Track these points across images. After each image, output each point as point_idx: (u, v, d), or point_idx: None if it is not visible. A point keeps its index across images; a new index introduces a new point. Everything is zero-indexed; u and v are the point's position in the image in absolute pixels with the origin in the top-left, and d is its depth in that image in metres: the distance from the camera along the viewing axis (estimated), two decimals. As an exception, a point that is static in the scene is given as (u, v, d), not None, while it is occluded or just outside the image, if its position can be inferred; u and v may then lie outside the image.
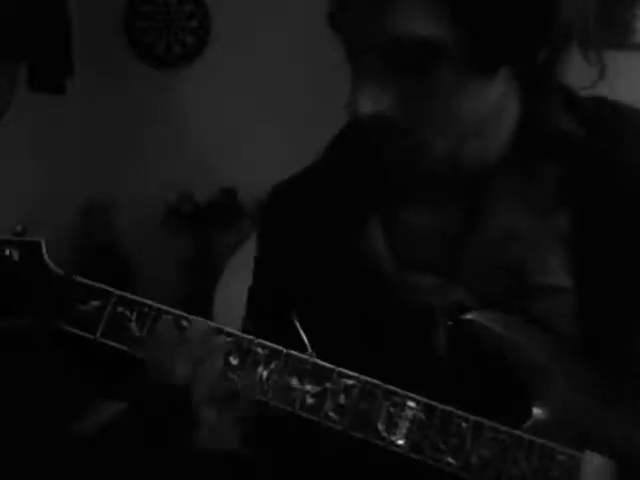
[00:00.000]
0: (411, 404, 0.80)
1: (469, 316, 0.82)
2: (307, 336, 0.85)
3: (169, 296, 2.93)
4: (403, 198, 0.89)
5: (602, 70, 0.82)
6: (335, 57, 0.85)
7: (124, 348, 0.83)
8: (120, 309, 0.84)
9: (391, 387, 0.80)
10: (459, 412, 0.79)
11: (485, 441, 0.79)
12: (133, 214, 3.29)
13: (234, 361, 0.82)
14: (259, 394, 0.81)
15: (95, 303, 0.84)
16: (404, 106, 0.78)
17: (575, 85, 0.87)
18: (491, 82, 0.78)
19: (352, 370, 0.81)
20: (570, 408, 0.81)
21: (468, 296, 0.85)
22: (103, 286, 0.85)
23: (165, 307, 0.84)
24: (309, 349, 0.83)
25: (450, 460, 0.79)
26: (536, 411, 0.81)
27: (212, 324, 0.83)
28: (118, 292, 0.85)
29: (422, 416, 0.79)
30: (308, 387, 0.81)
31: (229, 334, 0.83)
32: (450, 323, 0.83)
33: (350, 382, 0.81)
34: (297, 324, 0.86)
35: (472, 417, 0.79)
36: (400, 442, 0.79)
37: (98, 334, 0.84)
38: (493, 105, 0.80)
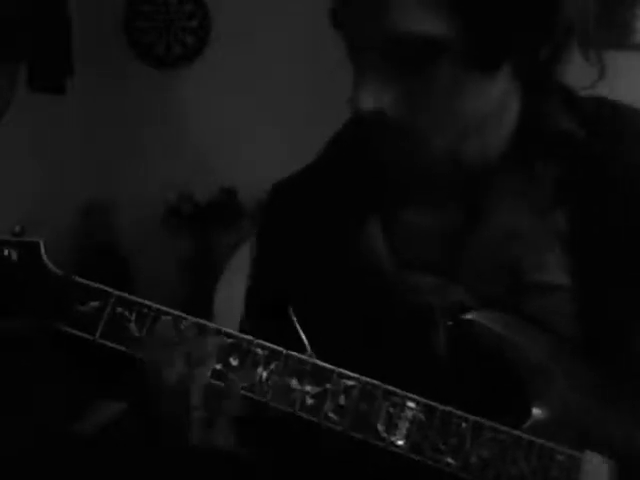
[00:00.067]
0: (411, 404, 0.80)
1: (469, 316, 0.82)
2: (306, 336, 0.85)
3: (169, 296, 2.93)
4: (403, 197, 0.89)
5: (602, 70, 0.82)
6: (335, 57, 0.85)
7: (123, 349, 0.83)
8: (119, 310, 0.84)
9: (391, 388, 0.80)
10: (459, 412, 0.79)
11: (485, 441, 0.79)
12: (133, 214, 3.28)
13: (234, 362, 0.82)
14: (259, 395, 0.81)
15: (94, 304, 0.84)
16: (405, 103, 0.78)
17: (575, 85, 0.87)
18: (492, 80, 0.78)
19: (352, 370, 0.81)
20: (570, 408, 0.81)
21: (468, 296, 0.85)
22: (102, 287, 0.85)
23: (164, 308, 0.84)
24: (308, 349, 0.83)
25: (450, 460, 0.79)
26: (536, 411, 0.81)
27: (211, 325, 0.83)
28: (117, 293, 0.84)
29: (422, 416, 0.79)
30: (308, 388, 0.81)
31: (228, 335, 0.83)
32: (450, 323, 0.83)
33: (350, 383, 0.81)
34: (296, 323, 0.86)
35: (471, 417, 0.79)
36: (400, 443, 0.79)
37: (97, 335, 0.83)
38: (494, 103, 0.80)
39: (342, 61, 0.82)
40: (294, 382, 0.81)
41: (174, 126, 3.22)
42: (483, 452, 0.78)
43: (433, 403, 0.80)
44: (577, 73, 0.84)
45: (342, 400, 0.80)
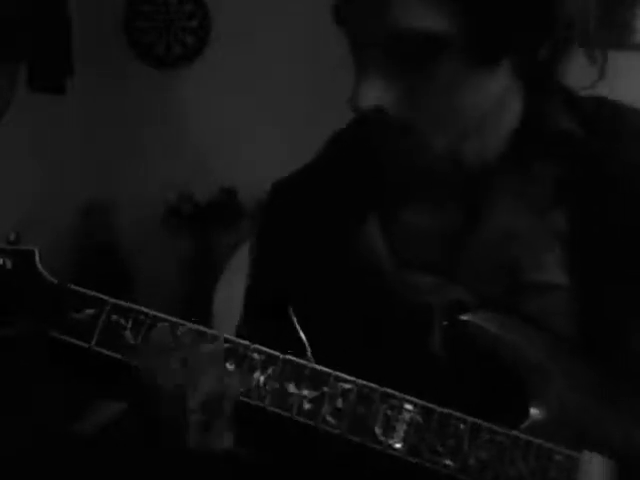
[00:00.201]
0: (408, 407, 0.80)
1: (464, 317, 0.82)
2: (306, 335, 0.85)
3: (169, 296, 2.93)
4: (402, 197, 0.89)
5: (602, 70, 0.82)
6: (336, 57, 0.85)
7: (119, 356, 0.83)
8: (114, 317, 0.83)
9: (388, 390, 0.80)
10: (456, 414, 0.79)
11: (482, 442, 0.79)
12: (133, 214, 3.28)
13: (230, 367, 0.82)
14: (256, 400, 0.81)
15: (89, 311, 0.84)
16: (407, 101, 0.78)
17: (575, 85, 0.87)
18: (493, 74, 0.78)
19: (351, 369, 0.81)
20: (568, 407, 0.81)
21: (467, 295, 0.84)
22: (97, 294, 0.84)
23: (161, 314, 0.84)
24: (308, 349, 0.83)
25: (448, 462, 0.79)
26: (533, 411, 0.81)
27: (208, 331, 0.83)
28: (113, 300, 0.84)
29: (419, 419, 0.79)
30: (305, 392, 0.81)
31: (225, 340, 0.83)
32: (445, 323, 0.83)
33: (347, 386, 0.80)
34: (296, 323, 0.86)
35: (469, 419, 0.79)
36: (398, 445, 0.79)
37: (93, 342, 0.83)
38: (495, 100, 0.80)
39: (342, 61, 0.82)
40: (291, 386, 0.81)
41: (174, 126, 3.22)
42: (481, 453, 0.78)
43: (431, 405, 0.80)
44: (577, 73, 0.85)
45: (339, 403, 0.80)
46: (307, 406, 0.80)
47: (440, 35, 0.73)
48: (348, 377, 0.81)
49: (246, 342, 0.82)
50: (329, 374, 0.81)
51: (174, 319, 0.83)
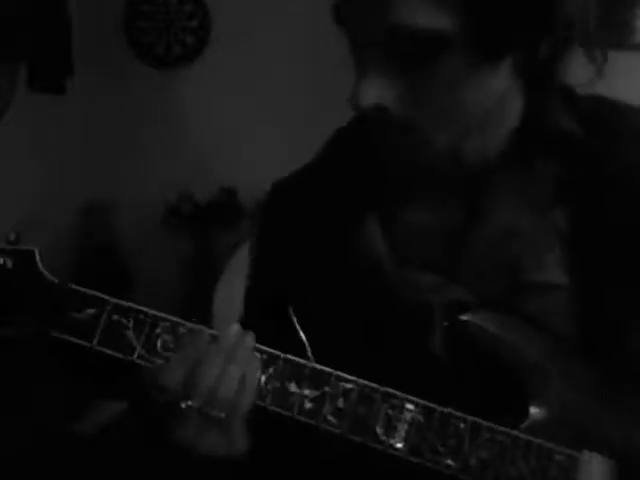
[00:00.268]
0: (409, 406, 0.80)
1: (463, 317, 0.82)
2: (305, 335, 0.85)
3: (169, 296, 2.93)
4: (403, 195, 0.89)
5: (600, 69, 0.82)
6: (336, 57, 0.85)
7: (121, 356, 0.83)
8: (116, 317, 0.83)
9: (390, 390, 0.80)
10: (457, 413, 0.79)
11: (483, 442, 0.79)
12: (133, 214, 3.28)
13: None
14: (257, 399, 0.81)
15: (90, 311, 0.83)
16: (408, 99, 0.78)
17: (572, 83, 0.87)
18: (494, 72, 0.78)
19: (351, 368, 0.81)
20: (568, 407, 0.81)
21: (467, 295, 0.84)
22: (98, 294, 0.84)
23: (162, 314, 0.84)
24: (308, 349, 0.83)
25: (449, 462, 0.79)
26: (533, 411, 0.81)
27: (209, 330, 0.83)
28: (114, 300, 0.84)
29: (421, 418, 0.79)
30: (306, 392, 0.81)
31: None
32: (445, 324, 0.83)
33: (349, 386, 0.80)
34: (296, 323, 0.86)
35: (470, 418, 0.79)
36: (399, 445, 0.79)
37: (95, 342, 0.83)
38: (496, 97, 0.80)
39: (342, 61, 0.82)
40: (292, 386, 0.81)
41: (174, 126, 3.22)
42: (482, 453, 0.78)
43: (432, 405, 0.80)
44: (574, 71, 0.84)
45: (341, 403, 0.80)
46: (308, 406, 0.80)
47: (441, 33, 0.73)
48: (349, 377, 0.81)
49: None
50: (330, 374, 0.81)
51: (174, 319, 0.83)
